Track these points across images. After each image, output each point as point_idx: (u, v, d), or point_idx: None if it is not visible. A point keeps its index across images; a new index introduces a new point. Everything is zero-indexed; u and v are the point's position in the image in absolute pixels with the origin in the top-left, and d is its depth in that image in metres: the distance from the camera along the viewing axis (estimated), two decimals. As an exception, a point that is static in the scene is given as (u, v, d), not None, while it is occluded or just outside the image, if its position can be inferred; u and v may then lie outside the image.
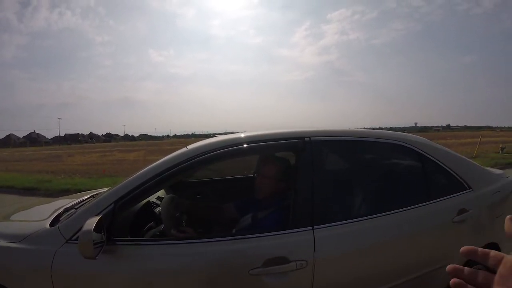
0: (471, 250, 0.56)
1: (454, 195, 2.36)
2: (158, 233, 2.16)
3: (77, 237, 1.67)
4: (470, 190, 2.43)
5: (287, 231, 1.90)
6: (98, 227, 1.62)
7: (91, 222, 1.61)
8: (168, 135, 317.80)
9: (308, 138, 2.13)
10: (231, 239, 1.88)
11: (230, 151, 2.07)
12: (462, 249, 0.57)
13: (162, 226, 2.14)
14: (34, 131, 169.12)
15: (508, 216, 0.58)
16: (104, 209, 1.84)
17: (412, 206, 2.20)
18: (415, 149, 2.39)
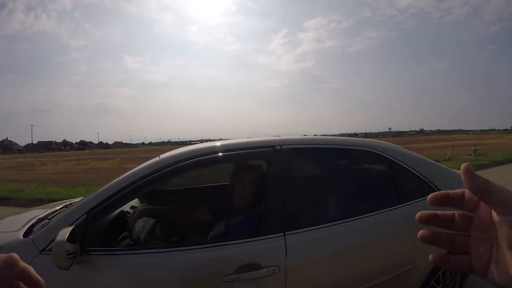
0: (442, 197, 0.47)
1: (424, 198, 2.43)
2: (132, 242, 2.16)
3: (51, 247, 1.65)
4: (440, 192, 2.50)
5: (259, 238, 1.94)
6: (71, 238, 1.61)
7: (64, 233, 1.59)
8: (143, 143, 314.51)
9: (279, 146, 2.17)
10: (204, 247, 1.89)
11: (203, 160, 2.08)
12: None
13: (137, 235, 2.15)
14: (7, 138, 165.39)
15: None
16: (77, 219, 1.83)
17: (383, 210, 2.26)
18: (385, 155, 2.46)
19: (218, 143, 2.20)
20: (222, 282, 1.79)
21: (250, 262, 1.84)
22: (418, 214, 0.48)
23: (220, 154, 2.13)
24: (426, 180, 2.51)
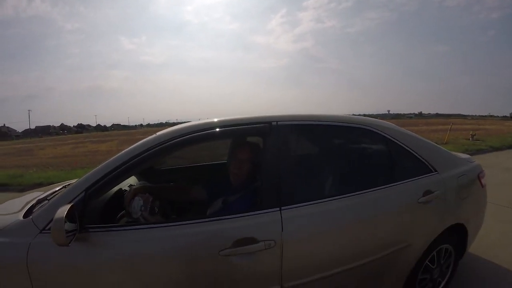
0: None
1: (419, 177, 2.47)
2: (130, 220, 2.18)
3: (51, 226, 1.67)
4: (436, 172, 2.54)
5: (255, 212, 1.97)
6: (70, 215, 1.63)
7: (63, 210, 1.62)
8: (141, 124, 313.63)
9: (275, 122, 2.18)
10: (201, 222, 1.92)
11: (199, 136, 2.09)
12: None
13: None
14: (4, 124, 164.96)
15: None
16: (76, 197, 1.85)
17: (378, 188, 2.29)
18: (381, 133, 2.48)
19: (214, 120, 2.21)
20: (219, 256, 1.83)
21: (247, 236, 1.88)
22: None
23: (216, 130, 2.13)
24: (423, 160, 2.53)
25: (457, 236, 2.78)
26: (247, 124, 2.21)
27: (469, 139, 17.63)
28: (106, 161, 2.01)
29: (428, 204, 2.40)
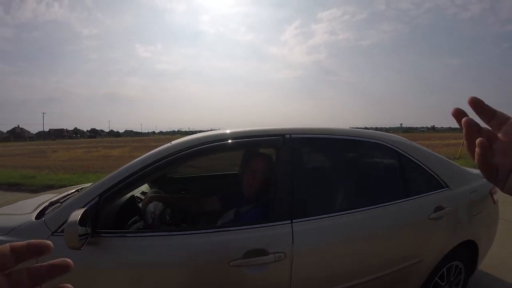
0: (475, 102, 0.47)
1: (431, 192, 2.44)
2: (142, 227, 2.20)
3: (63, 229, 1.67)
4: (448, 188, 2.50)
5: (266, 224, 1.97)
6: (83, 219, 1.64)
7: (76, 214, 1.63)
8: (153, 132, 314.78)
9: (289, 135, 2.19)
10: (212, 231, 1.94)
11: (213, 147, 2.11)
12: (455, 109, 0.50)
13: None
14: (18, 125, 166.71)
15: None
16: (89, 201, 1.86)
17: (390, 203, 2.27)
18: (394, 148, 2.46)
19: (229, 131, 2.23)
20: (229, 266, 1.83)
21: (257, 248, 1.87)
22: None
23: (230, 141, 2.16)
24: (435, 175, 2.51)
25: (468, 252, 2.74)
26: (260, 136, 2.23)
27: (482, 154, 17.41)
28: (121, 168, 2.04)
29: (439, 220, 2.37)
